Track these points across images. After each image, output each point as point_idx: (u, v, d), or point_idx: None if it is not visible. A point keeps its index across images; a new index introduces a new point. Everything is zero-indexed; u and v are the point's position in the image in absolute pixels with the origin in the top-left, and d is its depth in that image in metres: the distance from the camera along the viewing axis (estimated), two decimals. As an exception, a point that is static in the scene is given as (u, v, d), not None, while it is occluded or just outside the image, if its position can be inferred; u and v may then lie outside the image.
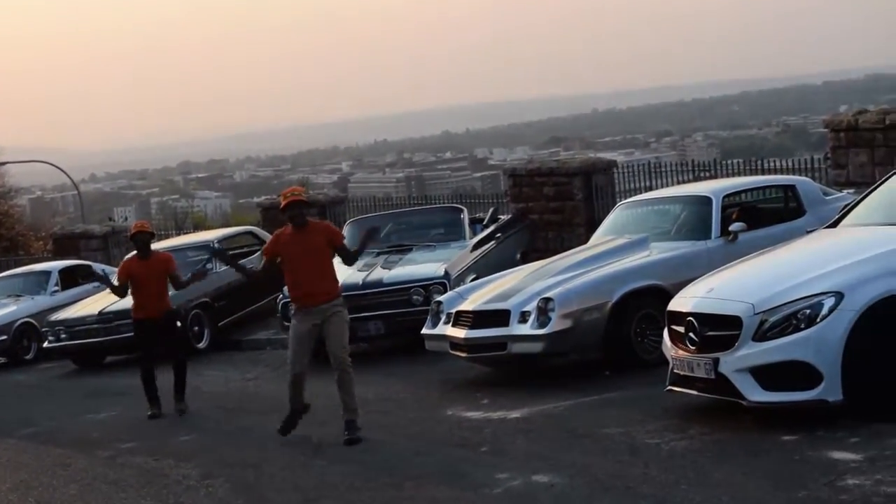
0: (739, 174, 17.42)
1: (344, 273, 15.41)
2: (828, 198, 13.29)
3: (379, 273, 15.11)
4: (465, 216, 16.96)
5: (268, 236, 21.02)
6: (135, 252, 13.34)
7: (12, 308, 21.43)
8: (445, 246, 16.11)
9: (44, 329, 19.37)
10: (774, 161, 17.98)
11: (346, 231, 17.47)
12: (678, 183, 18.01)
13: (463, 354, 12.13)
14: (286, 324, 15.37)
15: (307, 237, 10.19)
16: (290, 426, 10.45)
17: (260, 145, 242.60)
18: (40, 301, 21.67)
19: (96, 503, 9.22)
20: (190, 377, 14.77)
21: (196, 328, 18.10)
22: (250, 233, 21.63)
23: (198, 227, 33.99)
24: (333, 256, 10.38)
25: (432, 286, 14.47)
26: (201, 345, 18.10)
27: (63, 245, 27.29)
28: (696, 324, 8.84)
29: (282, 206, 10.33)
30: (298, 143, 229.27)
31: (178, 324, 15.83)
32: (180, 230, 30.59)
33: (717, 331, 8.67)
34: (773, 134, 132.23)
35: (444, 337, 12.36)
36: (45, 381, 18.19)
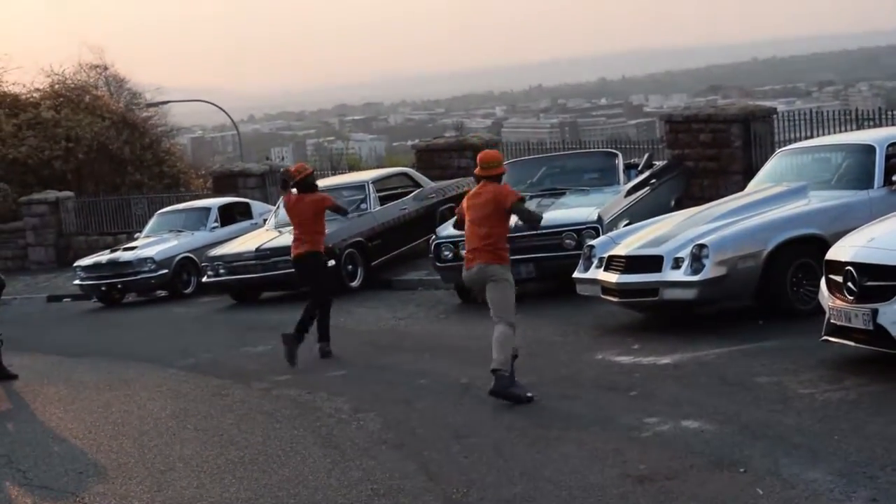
0: (905, 124, 16.90)
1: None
2: None
3: (532, 216, 15.07)
4: (620, 161, 16.80)
5: (422, 178, 21.25)
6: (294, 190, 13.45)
7: (173, 243, 22.05)
8: (599, 191, 16.01)
9: (203, 264, 19.86)
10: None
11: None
12: (840, 132, 17.55)
13: (614, 299, 12.08)
14: (438, 265, 15.54)
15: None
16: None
17: (415, 89, 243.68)
18: (200, 237, 22.25)
19: (252, 432, 9.45)
20: (342, 315, 15.13)
21: (350, 267, 18.34)
22: (405, 174, 21.78)
23: (352, 168, 34.32)
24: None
25: (585, 230, 14.41)
26: (354, 283, 18.34)
27: (222, 183, 27.86)
28: (855, 273, 8.65)
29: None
30: (453, 88, 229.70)
31: (332, 263, 16.09)
32: (335, 171, 30.97)
33: (876, 281, 8.48)
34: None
35: (595, 281, 12.31)
36: (203, 314, 18.68)
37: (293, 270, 18.07)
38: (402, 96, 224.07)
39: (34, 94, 36.60)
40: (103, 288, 21.93)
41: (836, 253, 9.17)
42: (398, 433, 8.89)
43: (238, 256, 18.78)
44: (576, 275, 12.82)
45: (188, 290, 21.50)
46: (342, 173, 27.37)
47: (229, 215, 23.17)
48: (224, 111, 49.18)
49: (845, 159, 12.63)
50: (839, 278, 8.88)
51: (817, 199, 11.98)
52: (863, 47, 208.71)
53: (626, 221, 14.45)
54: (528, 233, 14.69)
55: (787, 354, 9.72)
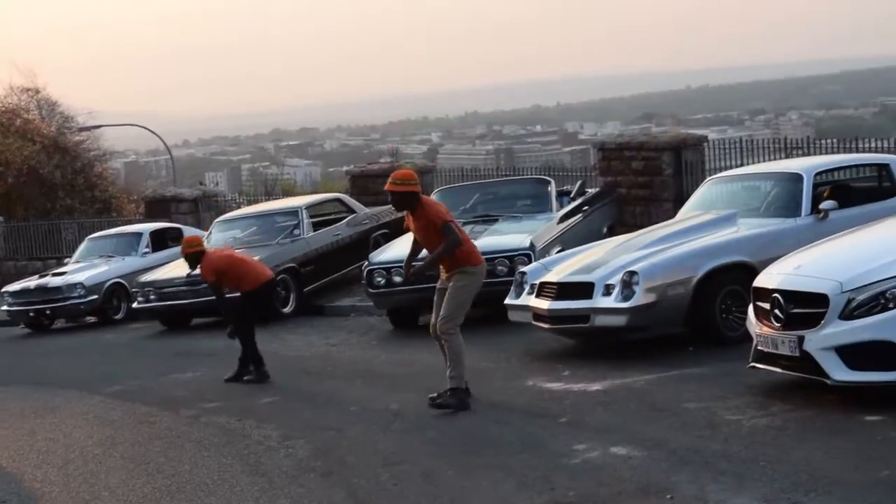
0: (833, 153, 17.13)
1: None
2: (922, 178, 13.01)
3: (464, 243, 15.08)
4: (553, 188, 16.89)
5: (356, 204, 21.22)
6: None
7: (104, 269, 21.83)
8: (532, 217, 16.07)
9: (133, 290, 19.69)
10: (869, 141, 17.64)
11: (434, 197, 17.54)
12: (770, 160, 17.77)
13: (546, 326, 12.10)
14: (371, 291, 15.49)
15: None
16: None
17: (351, 115, 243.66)
18: (131, 262, 22.06)
19: (179, 460, 9.35)
20: (274, 342, 15.07)
21: (282, 293, 18.24)
22: (338, 199, 21.74)
23: (287, 193, 34.29)
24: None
25: (517, 257, 14.44)
26: (287, 310, 18.25)
27: (154, 208, 27.67)
28: (781, 300, 8.73)
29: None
30: (389, 114, 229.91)
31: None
32: (270, 196, 30.87)
33: (803, 308, 8.56)
34: (871, 114, 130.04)
35: (527, 308, 12.34)
36: (133, 340, 18.49)
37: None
38: (339, 122, 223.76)
39: (-37, 118, 36.17)
40: (31, 314, 21.64)
41: (763, 280, 9.26)
42: (327, 461, 8.83)
43: (169, 282, 18.64)
44: (507, 301, 12.84)
45: (118, 316, 21.29)
46: (276, 199, 27.28)
47: (161, 241, 22.98)
48: (157, 135, 48.76)
49: (773, 187, 12.78)
50: (766, 305, 8.96)
51: (746, 227, 12.10)
52: (792, 77, 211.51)
53: (559, 248, 14.52)
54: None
55: (715, 381, 9.78)
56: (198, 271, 13.49)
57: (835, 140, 18.08)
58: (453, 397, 9.78)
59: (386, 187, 10.19)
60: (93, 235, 24.55)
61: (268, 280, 13.26)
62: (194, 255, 13.07)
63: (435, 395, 9.86)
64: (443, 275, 10.20)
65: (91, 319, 21.81)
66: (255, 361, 12.77)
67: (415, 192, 10.09)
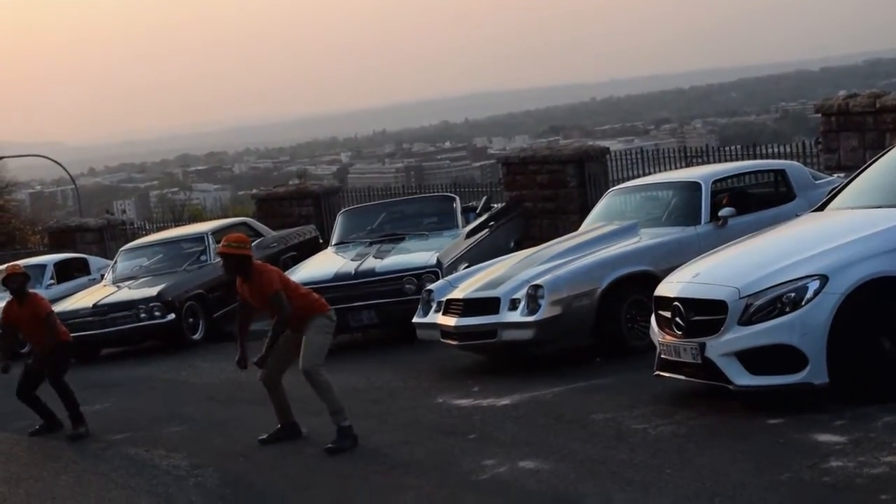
0: (734, 160, 17.39)
1: (337, 263, 15.52)
2: (818, 182, 13.27)
3: (371, 262, 15.12)
4: (458, 205, 16.95)
5: (263, 227, 21.12)
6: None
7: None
8: (438, 235, 16.12)
9: (39, 322, 19.32)
10: (769, 147, 17.95)
11: (338, 220, 17.52)
12: (672, 169, 18.00)
13: (454, 343, 12.13)
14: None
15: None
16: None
17: (259, 138, 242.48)
18: (36, 295, 21.65)
19: (86, 495, 9.23)
20: (183, 369, 14.97)
21: (191, 320, 18.09)
22: (245, 224, 21.60)
23: (195, 219, 33.94)
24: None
25: (424, 275, 14.47)
26: (196, 336, 18.09)
27: (59, 238, 27.34)
28: (682, 309, 8.85)
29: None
30: (297, 136, 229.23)
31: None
32: (178, 222, 30.61)
33: (703, 315, 8.68)
34: (773, 120, 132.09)
35: (434, 325, 12.37)
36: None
37: (134, 325, 17.87)
38: (247, 145, 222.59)
39: None
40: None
41: (663, 289, 9.37)
42: (236, 488, 8.78)
43: (75, 313, 18.35)
44: (415, 319, 12.86)
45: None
46: (185, 225, 27.05)
47: (66, 271, 22.65)
48: (60, 165, 48.21)
49: (673, 197, 12.96)
50: (668, 314, 9.06)
51: (648, 237, 12.25)
52: (695, 86, 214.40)
53: (466, 264, 14.57)
54: (369, 279, 14.74)
55: (622, 390, 9.88)
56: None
57: (738, 146, 18.36)
58: (345, 438, 9.46)
59: (218, 250, 9.90)
60: (-4, 269, 24.13)
61: None
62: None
63: (331, 444, 9.47)
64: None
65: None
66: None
67: (247, 255, 9.80)
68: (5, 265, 12.77)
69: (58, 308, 18.94)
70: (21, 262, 23.92)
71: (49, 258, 23.45)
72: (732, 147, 18.55)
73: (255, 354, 9.93)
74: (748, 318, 8.35)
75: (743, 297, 8.39)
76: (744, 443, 7.74)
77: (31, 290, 12.54)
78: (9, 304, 12.39)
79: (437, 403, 10.70)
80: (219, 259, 18.59)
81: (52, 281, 22.07)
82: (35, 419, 12.33)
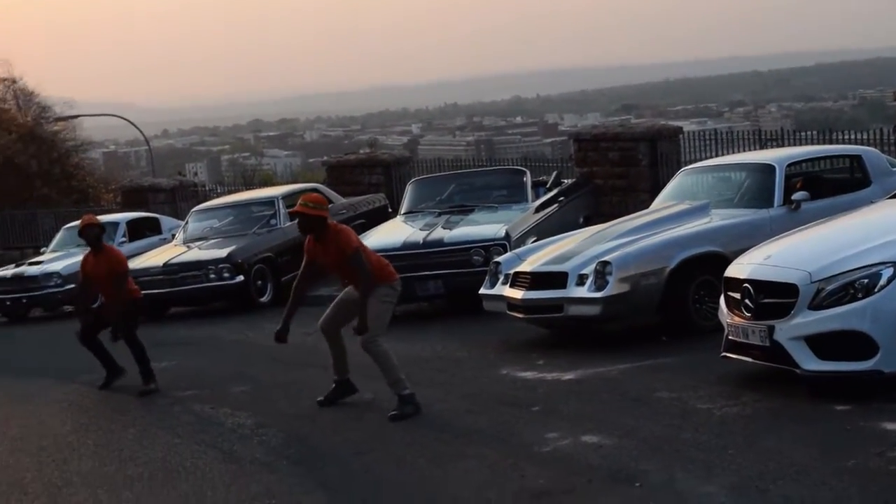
0: (809, 145, 17.19)
1: (405, 232, 15.56)
2: (894, 169, 13.11)
3: (440, 233, 15.15)
4: (528, 178, 16.90)
5: (333, 194, 21.22)
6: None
7: (80, 258, 21.71)
8: (507, 208, 16.10)
9: (110, 279, 19.59)
10: (845, 133, 17.72)
11: (408, 190, 17.56)
12: (745, 151, 17.84)
13: (520, 315, 12.15)
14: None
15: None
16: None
17: (331, 106, 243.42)
18: (107, 252, 21.94)
19: (152, 447, 9.37)
20: (250, 330, 15.13)
21: (259, 283, 18.26)
22: (315, 190, 21.70)
23: (265, 184, 34.20)
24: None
25: (492, 247, 14.48)
26: (264, 299, 18.27)
27: (131, 198, 27.65)
28: (752, 290, 8.79)
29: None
30: (369, 105, 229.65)
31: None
32: (248, 186, 30.84)
33: (773, 298, 8.61)
34: (850, 107, 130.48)
35: (501, 297, 12.38)
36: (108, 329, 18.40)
37: (202, 285, 18.09)
38: (318, 112, 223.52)
39: (-62, 108, 36.05)
40: (8, 303, 21.58)
41: (734, 270, 9.31)
42: (299, 448, 8.87)
43: (145, 271, 18.57)
44: (482, 291, 12.88)
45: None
46: (255, 189, 27.25)
47: (138, 230, 22.97)
48: (135, 126, 48.69)
49: (746, 178, 12.85)
50: (737, 295, 9.01)
51: (719, 218, 12.16)
52: (773, 69, 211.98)
53: (534, 238, 14.55)
54: (437, 249, 14.78)
55: (687, 370, 9.84)
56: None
57: (813, 132, 18.14)
58: (406, 404, 9.49)
59: (294, 209, 9.87)
60: (69, 225, 24.46)
61: None
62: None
63: (394, 411, 9.48)
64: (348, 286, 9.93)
65: (68, 309, 21.72)
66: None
67: (323, 216, 9.77)
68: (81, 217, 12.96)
69: (129, 265, 19.21)
70: (94, 219, 24.38)
71: (122, 216, 23.76)
72: (809, 132, 18.33)
73: (315, 319, 10.02)
74: (819, 303, 8.28)
75: (815, 282, 8.31)
76: (809, 428, 7.69)
77: (107, 244, 12.71)
78: (86, 256, 12.58)
79: (501, 375, 10.73)
80: (289, 223, 19.07)
81: (124, 239, 22.38)
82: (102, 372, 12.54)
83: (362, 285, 9.60)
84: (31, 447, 9.92)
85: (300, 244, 19.03)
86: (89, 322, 12.46)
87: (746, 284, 8.87)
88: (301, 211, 9.76)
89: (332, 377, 10.32)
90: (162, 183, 28.21)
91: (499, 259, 13.07)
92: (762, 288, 8.74)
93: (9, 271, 22.11)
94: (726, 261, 10.41)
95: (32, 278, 21.36)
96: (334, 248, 9.74)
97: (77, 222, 24.44)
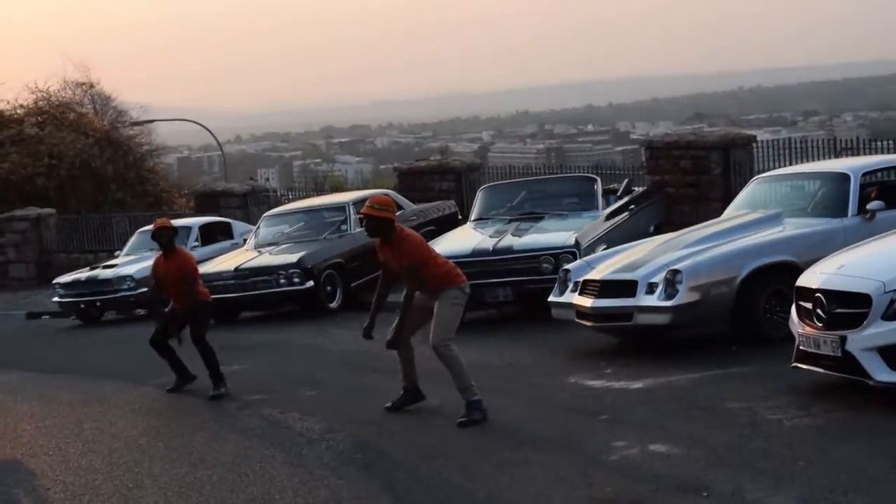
0: (884, 154, 16.96)
1: (475, 239, 15.58)
2: (972, 178, 12.90)
3: (510, 240, 15.14)
4: (599, 186, 16.84)
5: (404, 200, 21.27)
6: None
7: (152, 261, 21.97)
8: (577, 215, 16.05)
9: (182, 283, 19.78)
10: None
11: (478, 196, 17.57)
12: (820, 161, 17.65)
13: (589, 323, 12.11)
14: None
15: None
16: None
17: (402, 112, 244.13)
18: (180, 256, 22.17)
19: (222, 451, 9.45)
20: (319, 336, 15.22)
21: (328, 288, 18.36)
22: (385, 194, 21.76)
23: (336, 189, 34.34)
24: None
25: (562, 255, 14.45)
26: (333, 304, 18.36)
27: (204, 202, 27.90)
28: (824, 300, 8.70)
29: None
30: (440, 112, 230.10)
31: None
32: (320, 192, 31.00)
33: (845, 308, 8.52)
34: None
35: (570, 305, 12.35)
36: (182, 334, 18.60)
37: (273, 290, 18.22)
38: (390, 119, 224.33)
39: (18, 111, 36.58)
40: (82, 305, 21.88)
41: (806, 280, 9.22)
42: (367, 453, 8.90)
43: (217, 276, 18.74)
44: (551, 298, 12.85)
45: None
46: (326, 195, 27.41)
47: (210, 234, 23.18)
48: (209, 131, 49.23)
49: (820, 187, 12.71)
50: (809, 305, 8.92)
51: (792, 227, 12.04)
52: (847, 78, 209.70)
53: (604, 246, 14.50)
54: (506, 256, 14.78)
55: (757, 380, 9.76)
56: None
57: (890, 141, 17.90)
58: (474, 411, 9.52)
59: (361, 211, 9.91)
60: (143, 229, 24.71)
61: None
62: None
63: (463, 418, 9.52)
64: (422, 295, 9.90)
65: (141, 312, 22.00)
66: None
67: (389, 218, 9.77)
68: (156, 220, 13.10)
69: (201, 269, 19.38)
70: (168, 223, 24.65)
71: (194, 220, 23.99)
72: (885, 142, 18.09)
73: (386, 325, 10.05)
74: (893, 313, 8.18)
75: (888, 292, 8.22)
76: (882, 439, 7.60)
77: (179, 247, 12.85)
78: (158, 258, 12.73)
79: (569, 383, 10.70)
80: (359, 229, 19.13)
81: (196, 243, 22.57)
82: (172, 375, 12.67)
83: (406, 297, 9.75)
84: (103, 449, 10.04)
85: (370, 250, 19.09)
86: (164, 325, 12.59)
87: (818, 294, 8.78)
88: (367, 213, 9.79)
89: (400, 383, 10.34)
90: (234, 188, 28.43)
91: (568, 266, 13.03)
92: (834, 298, 8.64)
93: (83, 274, 22.40)
94: (799, 270, 10.30)
95: (106, 281, 21.62)
96: (399, 253, 9.76)
97: (150, 226, 24.83)
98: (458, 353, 9.66)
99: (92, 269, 22.95)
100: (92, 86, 42.97)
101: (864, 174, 12.44)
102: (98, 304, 21.75)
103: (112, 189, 35.18)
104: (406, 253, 9.70)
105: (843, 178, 12.32)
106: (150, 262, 21.54)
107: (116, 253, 24.42)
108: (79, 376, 14.64)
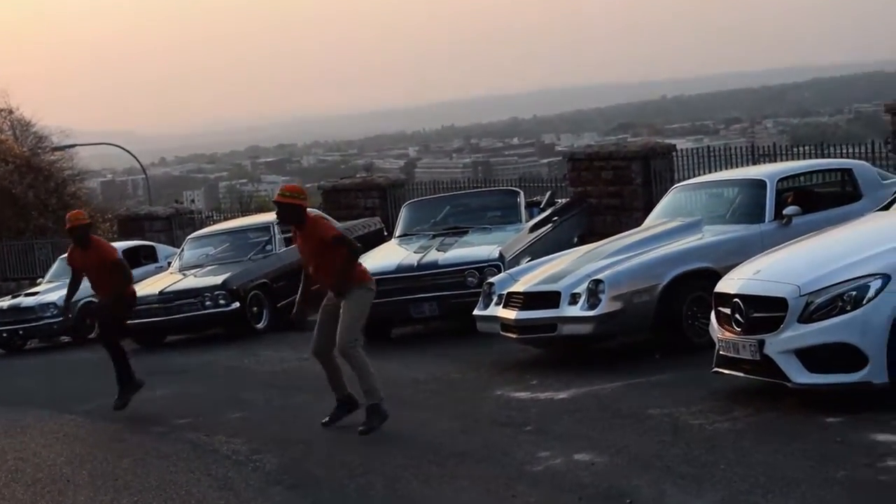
0: (802, 160, 17.18)
1: (400, 255, 15.59)
2: (886, 182, 13.13)
3: (434, 255, 15.18)
4: (522, 199, 16.93)
5: (328, 218, 21.22)
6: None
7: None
8: (501, 229, 16.13)
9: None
10: (838, 147, 17.73)
11: (402, 212, 17.59)
12: (740, 168, 17.86)
13: (513, 336, 12.17)
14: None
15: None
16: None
17: (327, 130, 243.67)
18: (103, 281, 21.96)
19: (147, 476, 9.36)
20: (245, 357, 15.13)
21: (255, 309, 18.28)
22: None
23: (262, 209, 34.24)
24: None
25: (487, 268, 14.50)
26: (260, 325, 18.29)
27: (128, 226, 27.70)
28: (742, 305, 8.82)
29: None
30: (365, 129, 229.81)
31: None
32: (245, 213, 30.90)
33: (762, 312, 8.64)
34: (845, 121, 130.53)
35: (495, 318, 12.40)
36: (105, 359, 18.18)
37: (198, 313, 18.10)
38: (315, 137, 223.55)
39: (-65, 139, 36.12)
40: (4, 334, 21.59)
41: (724, 286, 9.34)
42: (294, 473, 8.87)
43: (142, 300, 18.51)
44: (476, 312, 12.90)
45: (91, 335, 21.22)
46: (251, 214, 27.30)
47: (135, 259, 22.95)
48: (132, 154, 48.78)
49: (738, 194, 12.89)
50: (728, 310, 9.04)
51: (711, 234, 12.20)
52: (765, 85, 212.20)
53: (528, 259, 14.57)
54: (432, 271, 14.81)
55: (680, 386, 9.86)
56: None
57: (808, 147, 18.17)
58: (373, 417, 9.69)
59: (273, 199, 10.10)
60: (65, 255, 24.47)
61: None
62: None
63: (362, 426, 9.71)
64: (330, 293, 10.03)
65: (65, 339, 21.77)
66: None
67: (302, 205, 9.95)
68: (69, 214, 12.92)
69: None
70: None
71: (118, 245, 23.69)
72: (802, 147, 18.35)
73: (308, 344, 10.13)
74: (808, 316, 8.31)
75: (803, 295, 8.35)
76: (800, 441, 7.71)
77: (95, 236, 12.70)
78: (72, 249, 12.58)
79: (495, 395, 10.75)
80: (284, 249, 19.07)
81: (120, 268, 22.33)
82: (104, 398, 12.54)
83: (346, 260, 9.80)
84: (26, 479, 9.90)
85: (296, 270, 19.00)
86: (106, 319, 12.43)
87: (736, 299, 8.90)
88: (276, 200, 9.95)
89: (333, 398, 10.35)
90: (158, 211, 28.27)
91: (492, 280, 13.09)
92: (752, 302, 8.77)
93: (5, 303, 22.13)
94: (718, 277, 10.41)
95: (29, 309, 21.38)
96: (314, 238, 9.90)
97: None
98: (365, 357, 9.81)
99: (14, 297, 22.68)
100: (11, 111, 42.54)
101: (780, 180, 12.63)
102: (21, 332, 21.48)
103: (34, 215, 34.82)
104: (323, 228, 9.93)
105: (759, 185, 12.50)
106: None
107: (39, 280, 24.17)
108: (1, 406, 14.43)
